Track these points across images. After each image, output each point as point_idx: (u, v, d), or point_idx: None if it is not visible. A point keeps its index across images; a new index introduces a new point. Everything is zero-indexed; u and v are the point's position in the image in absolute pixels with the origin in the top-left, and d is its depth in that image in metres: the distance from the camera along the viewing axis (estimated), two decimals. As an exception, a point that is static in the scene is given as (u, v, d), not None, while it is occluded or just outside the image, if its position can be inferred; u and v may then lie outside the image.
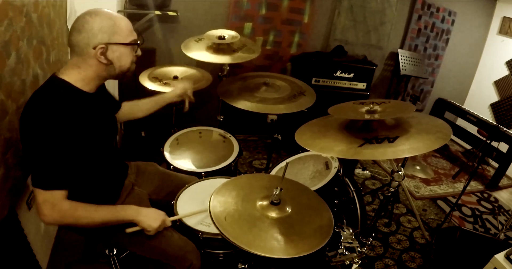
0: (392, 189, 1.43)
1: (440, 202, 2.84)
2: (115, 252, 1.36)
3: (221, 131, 2.09)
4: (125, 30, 1.12)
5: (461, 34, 3.76)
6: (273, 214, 1.15)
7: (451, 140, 3.98)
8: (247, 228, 1.08)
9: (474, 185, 3.20)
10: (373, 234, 1.46)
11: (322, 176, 1.74)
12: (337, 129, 1.28)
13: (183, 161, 1.88)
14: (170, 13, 2.57)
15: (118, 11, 2.31)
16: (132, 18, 2.41)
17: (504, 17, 3.69)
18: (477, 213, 2.78)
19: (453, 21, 3.64)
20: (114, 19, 1.09)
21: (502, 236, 2.36)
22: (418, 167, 3.32)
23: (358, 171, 3.09)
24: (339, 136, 1.23)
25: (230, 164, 1.82)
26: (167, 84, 2.09)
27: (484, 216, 2.74)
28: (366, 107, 1.28)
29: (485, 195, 3.08)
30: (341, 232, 1.38)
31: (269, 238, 1.05)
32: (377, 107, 1.27)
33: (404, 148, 1.08)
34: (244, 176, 1.44)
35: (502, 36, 3.75)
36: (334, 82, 2.98)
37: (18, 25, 1.19)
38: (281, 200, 1.17)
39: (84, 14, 1.07)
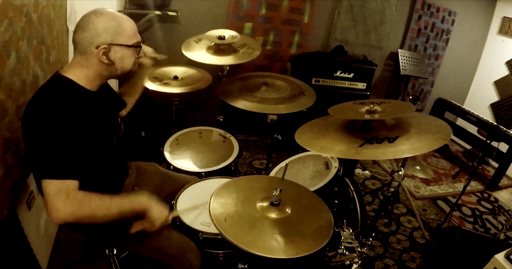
0: (392, 189, 1.43)
1: (440, 202, 2.84)
2: (115, 252, 1.36)
3: (221, 131, 2.09)
4: (129, 32, 1.12)
5: (461, 34, 3.76)
6: (273, 215, 1.15)
7: (451, 140, 3.98)
8: (247, 229, 1.08)
9: (474, 185, 3.20)
10: (373, 234, 1.46)
11: (322, 176, 1.74)
12: (337, 129, 1.28)
13: (183, 161, 1.88)
14: (170, 13, 2.57)
15: (118, 11, 2.30)
16: (132, 18, 2.38)
17: (504, 17, 3.69)
18: (477, 213, 2.78)
19: (453, 21, 3.64)
20: (119, 20, 1.10)
21: (502, 236, 2.36)
22: (418, 167, 3.32)
23: (358, 171, 3.09)
24: (339, 135, 1.23)
25: (230, 164, 1.82)
26: (167, 84, 2.09)
27: (484, 216, 2.74)
28: (366, 107, 1.28)
29: (485, 195, 3.08)
30: (341, 232, 1.38)
31: (269, 239, 1.05)
32: (377, 107, 1.27)
33: (404, 148, 1.07)
34: (243, 177, 1.44)
35: (502, 36, 3.75)
36: (334, 82, 2.98)
37: (18, 25, 1.19)
38: (281, 201, 1.17)
39: (90, 13, 1.08)
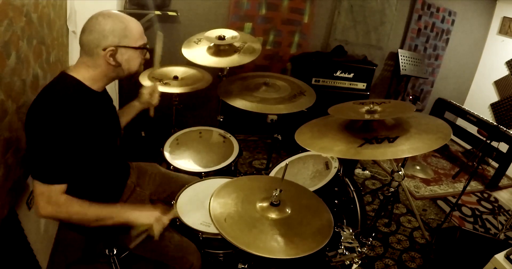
0: (392, 189, 1.43)
1: (440, 202, 2.84)
2: (115, 252, 1.35)
3: (221, 131, 2.09)
4: (136, 34, 1.13)
5: (461, 34, 3.76)
6: (273, 215, 1.15)
7: (451, 140, 3.99)
8: (247, 229, 1.08)
9: (474, 185, 3.20)
10: (373, 234, 1.45)
11: (322, 176, 1.74)
12: (337, 129, 1.28)
13: (183, 161, 1.88)
14: (170, 13, 2.57)
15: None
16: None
17: (504, 17, 3.69)
18: (477, 213, 2.78)
19: (453, 21, 3.64)
20: (126, 22, 1.10)
21: (502, 236, 2.36)
22: (418, 167, 3.32)
23: (358, 171, 3.09)
24: (339, 135, 1.23)
25: (230, 164, 1.82)
26: (167, 84, 2.09)
27: (484, 216, 2.74)
28: (366, 107, 1.28)
29: (485, 195, 3.08)
30: (341, 232, 1.38)
31: (269, 239, 1.05)
32: (377, 107, 1.27)
33: (404, 148, 1.07)
34: (243, 177, 1.44)
35: (502, 36, 3.75)
36: (334, 82, 2.98)
37: (18, 25, 1.19)
38: (280, 201, 1.17)
39: (97, 14, 1.08)
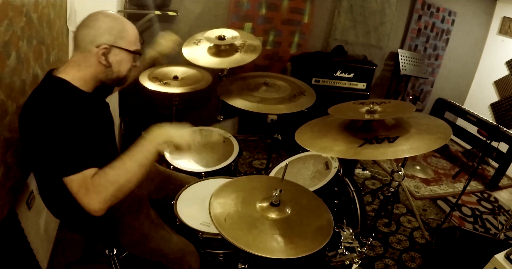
0: (392, 189, 1.43)
1: (440, 202, 2.84)
2: (115, 252, 1.36)
3: (221, 131, 2.09)
4: (132, 37, 1.13)
5: (461, 34, 3.76)
6: (273, 215, 1.15)
7: (451, 140, 3.98)
8: (247, 229, 1.08)
9: (474, 185, 3.20)
10: (373, 234, 1.46)
11: (322, 176, 1.74)
12: (337, 129, 1.28)
13: (183, 161, 1.88)
14: (170, 13, 2.57)
15: (118, 11, 2.31)
16: (132, 18, 2.41)
17: (504, 17, 3.69)
18: (477, 213, 2.78)
19: (453, 21, 3.64)
20: (124, 24, 1.10)
21: (502, 236, 2.36)
22: (418, 167, 3.32)
23: (358, 171, 3.09)
24: (339, 135, 1.23)
25: (230, 164, 1.82)
26: (167, 84, 2.09)
27: (484, 216, 2.74)
28: (366, 107, 1.28)
29: (485, 195, 3.08)
30: (341, 232, 1.38)
31: (269, 239, 1.05)
32: (377, 107, 1.27)
33: (404, 148, 1.07)
34: (243, 177, 1.44)
35: (502, 36, 3.75)
36: (334, 82, 2.98)
37: (18, 25, 1.19)
38: (280, 201, 1.17)
39: (97, 12, 1.08)
